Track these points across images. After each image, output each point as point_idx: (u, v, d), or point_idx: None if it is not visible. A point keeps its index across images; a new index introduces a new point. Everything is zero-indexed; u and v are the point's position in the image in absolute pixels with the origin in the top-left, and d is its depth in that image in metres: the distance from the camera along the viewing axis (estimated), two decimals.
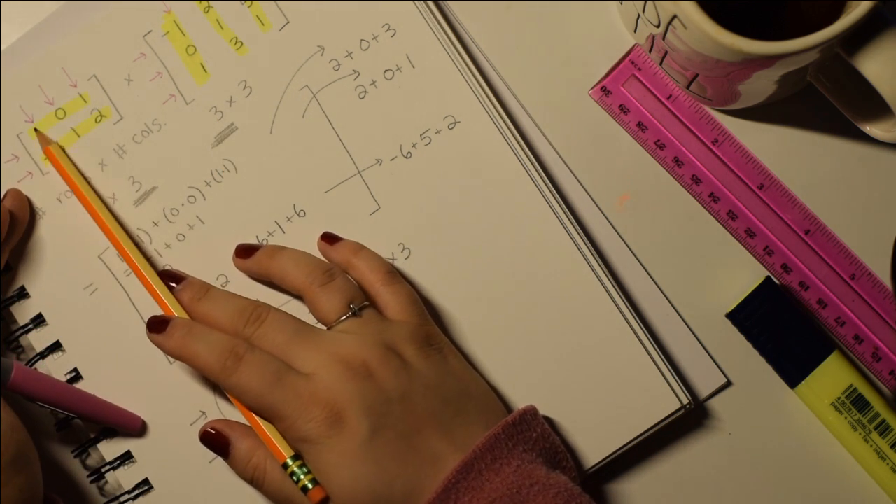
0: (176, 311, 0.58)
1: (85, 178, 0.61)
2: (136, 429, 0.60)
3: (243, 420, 0.57)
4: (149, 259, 0.60)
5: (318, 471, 0.54)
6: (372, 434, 0.53)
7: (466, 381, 0.57)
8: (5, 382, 0.57)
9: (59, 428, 0.60)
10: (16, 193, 0.60)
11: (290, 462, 0.55)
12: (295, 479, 0.55)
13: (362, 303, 0.57)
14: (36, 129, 0.61)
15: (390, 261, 0.60)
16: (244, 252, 0.59)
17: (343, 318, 0.56)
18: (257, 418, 0.56)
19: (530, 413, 0.56)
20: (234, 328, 0.56)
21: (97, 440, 0.60)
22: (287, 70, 0.61)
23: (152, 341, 0.57)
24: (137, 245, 0.60)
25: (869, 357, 0.62)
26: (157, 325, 0.57)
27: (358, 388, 0.54)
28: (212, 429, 0.57)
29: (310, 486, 0.54)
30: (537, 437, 0.56)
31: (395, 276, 0.58)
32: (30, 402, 0.58)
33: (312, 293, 0.57)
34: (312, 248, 0.60)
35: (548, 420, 0.59)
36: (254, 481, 0.56)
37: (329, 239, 0.60)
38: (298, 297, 0.59)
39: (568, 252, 0.60)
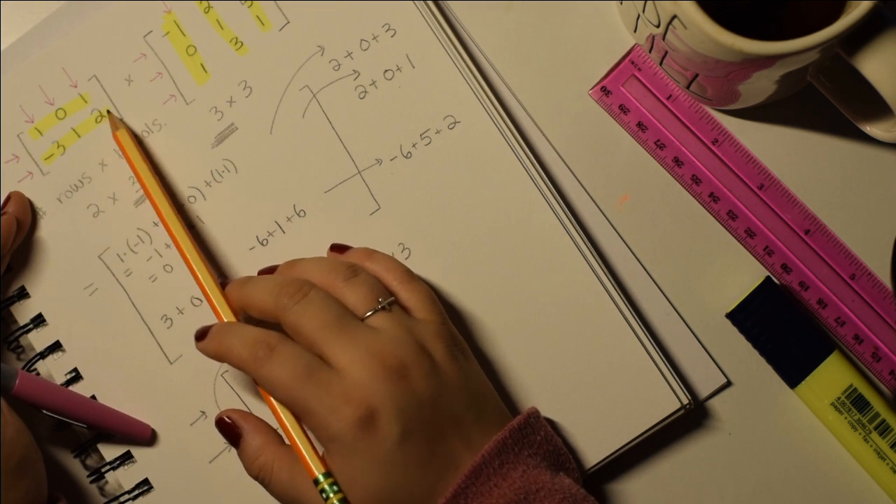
0: (225, 314, 0.57)
1: (152, 169, 0.60)
2: (146, 437, 0.60)
3: (273, 421, 0.57)
4: (205, 258, 0.59)
5: (342, 472, 0.53)
6: (402, 439, 0.52)
7: (482, 384, 0.57)
8: (9, 389, 0.57)
9: (58, 428, 0.60)
10: (18, 197, 0.60)
11: (321, 479, 0.54)
12: (324, 495, 0.53)
13: (389, 297, 0.56)
14: (108, 112, 0.61)
15: None
16: (266, 271, 0.59)
17: (371, 312, 0.55)
18: (290, 428, 0.55)
19: (534, 416, 0.56)
20: (276, 303, 0.55)
21: (97, 440, 0.60)
22: (287, 70, 0.61)
23: (198, 349, 0.56)
24: (193, 234, 0.60)
25: (869, 357, 0.62)
26: (200, 334, 0.57)
27: (392, 390, 0.53)
28: (228, 417, 0.57)
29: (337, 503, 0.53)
30: (541, 440, 0.56)
31: (412, 275, 0.58)
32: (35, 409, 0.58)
33: (337, 288, 0.56)
34: (312, 248, 0.60)
35: (549, 421, 0.59)
36: (259, 479, 0.56)
37: (339, 248, 0.59)
38: None
39: (568, 252, 0.60)
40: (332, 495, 0.53)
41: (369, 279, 0.56)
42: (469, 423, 0.54)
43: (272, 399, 0.55)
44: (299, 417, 0.54)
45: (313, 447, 0.55)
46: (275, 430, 0.57)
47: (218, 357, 0.56)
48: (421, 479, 0.53)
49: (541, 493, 0.53)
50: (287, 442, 0.56)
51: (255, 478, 0.56)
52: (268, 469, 0.55)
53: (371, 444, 0.52)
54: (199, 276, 0.57)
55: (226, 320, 0.57)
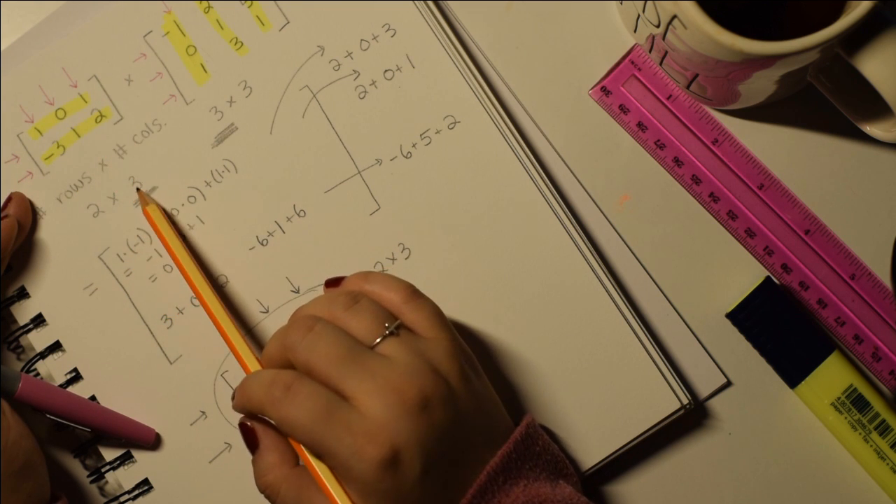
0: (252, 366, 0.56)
1: (183, 243, 0.59)
2: (150, 442, 0.59)
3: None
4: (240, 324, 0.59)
5: None
6: (423, 475, 0.51)
7: (492, 401, 0.56)
8: (12, 393, 0.57)
9: (58, 428, 0.60)
10: (19, 199, 0.60)
11: None
12: None
13: (395, 321, 0.54)
14: (138, 189, 0.60)
15: (390, 261, 0.60)
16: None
17: (380, 339, 0.53)
18: (314, 464, 0.53)
19: (532, 425, 0.56)
20: (284, 341, 0.54)
21: (97, 440, 0.60)
22: (287, 70, 0.61)
23: (234, 409, 0.55)
24: (225, 300, 0.60)
25: (869, 357, 0.62)
26: (233, 396, 0.56)
27: (413, 427, 0.51)
28: (248, 427, 0.56)
29: None
30: (540, 449, 0.55)
31: (415, 291, 0.56)
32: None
33: (340, 319, 0.54)
34: (312, 248, 0.60)
35: (544, 428, 0.58)
36: (266, 495, 0.55)
37: (333, 282, 0.58)
38: None
39: (568, 252, 0.60)
40: None
41: (371, 305, 0.54)
42: (480, 445, 0.54)
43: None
44: (320, 457, 0.53)
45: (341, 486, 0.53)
46: (292, 449, 0.55)
47: (243, 409, 0.55)
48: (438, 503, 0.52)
49: None
50: (301, 462, 0.55)
51: (262, 492, 0.55)
52: (274, 489, 0.54)
53: (394, 484, 0.51)
54: (236, 345, 0.57)
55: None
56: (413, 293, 0.55)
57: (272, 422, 0.53)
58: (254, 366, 0.56)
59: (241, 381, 0.55)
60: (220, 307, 0.57)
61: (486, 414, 0.55)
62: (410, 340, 0.53)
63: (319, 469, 0.53)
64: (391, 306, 0.55)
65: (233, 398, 0.55)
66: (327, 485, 0.53)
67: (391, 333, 0.53)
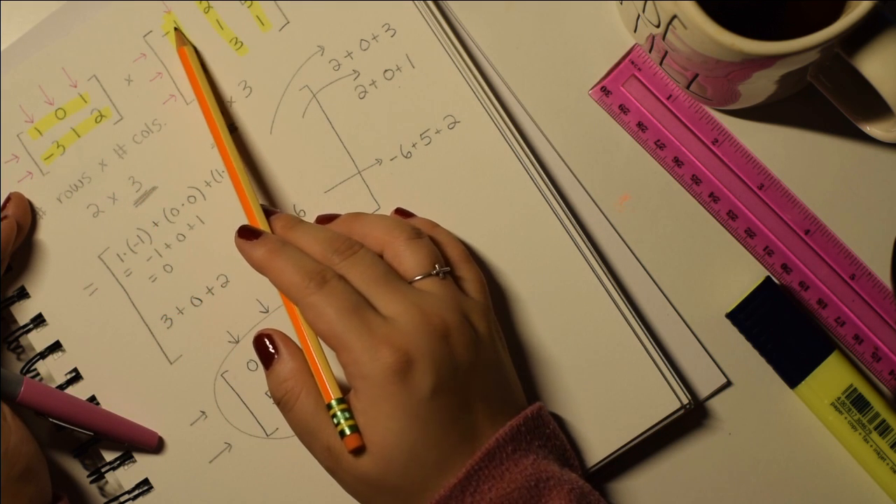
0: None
1: (213, 88, 0.60)
2: (153, 446, 0.59)
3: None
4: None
5: (364, 413, 0.53)
6: (432, 394, 0.52)
7: (513, 374, 0.57)
8: (14, 396, 0.57)
9: (59, 428, 0.60)
10: (18, 199, 0.60)
11: (334, 404, 0.53)
12: (335, 420, 0.53)
13: (446, 267, 0.56)
14: (176, 28, 0.61)
15: None
16: (325, 219, 0.59)
17: (423, 276, 0.55)
18: (314, 352, 0.54)
19: (543, 409, 0.56)
20: (324, 255, 0.55)
21: (97, 440, 0.60)
22: (287, 70, 0.61)
23: (239, 247, 0.56)
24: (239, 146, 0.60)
25: (869, 357, 0.62)
26: (248, 233, 0.56)
27: (432, 346, 0.53)
28: (267, 336, 0.56)
29: (348, 431, 0.53)
30: (549, 433, 0.56)
31: (470, 257, 0.58)
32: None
33: (397, 247, 0.56)
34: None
35: (555, 417, 0.59)
36: (282, 404, 0.55)
37: (404, 213, 0.60)
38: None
39: (568, 252, 0.60)
40: (343, 421, 0.53)
41: (431, 245, 0.56)
42: (497, 402, 0.55)
43: (302, 323, 0.55)
44: (336, 352, 0.53)
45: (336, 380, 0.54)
46: (308, 365, 0.56)
47: (261, 269, 0.55)
48: (441, 440, 0.53)
49: (550, 482, 0.53)
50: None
51: (279, 401, 0.55)
52: (294, 395, 0.55)
53: (401, 391, 0.52)
54: (249, 200, 0.57)
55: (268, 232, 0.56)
56: (468, 257, 0.58)
57: (297, 305, 0.54)
58: (262, 222, 0.56)
59: (271, 239, 0.55)
60: (241, 163, 0.58)
61: (506, 381, 0.56)
62: (452, 286, 0.56)
63: (312, 345, 0.54)
64: (448, 259, 0.57)
65: (244, 236, 0.56)
66: (316, 360, 0.54)
67: (437, 274, 0.55)
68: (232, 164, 0.58)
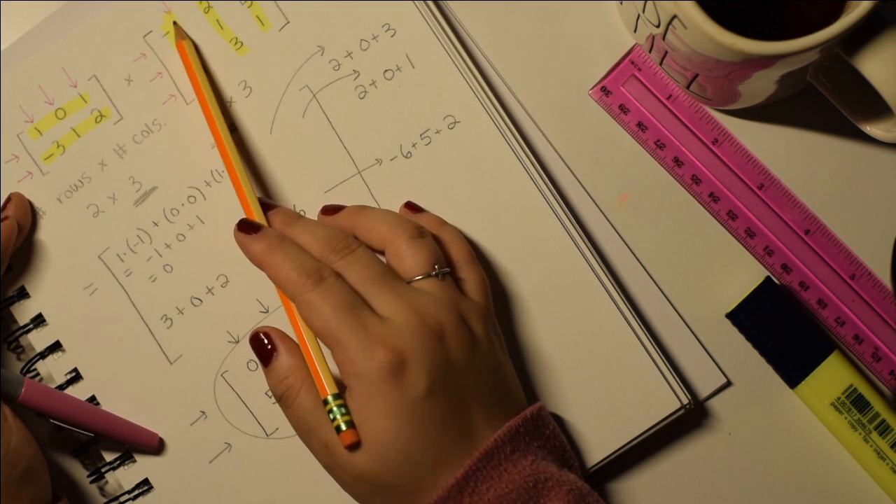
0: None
1: (211, 83, 0.60)
2: (153, 447, 0.59)
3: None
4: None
5: (359, 412, 0.53)
6: (426, 394, 0.52)
7: (512, 376, 0.57)
8: (15, 397, 0.57)
9: (59, 428, 0.60)
10: (19, 199, 0.60)
11: (330, 399, 0.53)
12: (331, 416, 0.53)
13: (446, 268, 0.56)
14: (175, 23, 0.61)
15: None
16: (331, 210, 0.59)
17: (423, 276, 0.55)
18: (311, 348, 0.54)
19: (543, 410, 0.56)
20: (321, 252, 0.55)
21: (97, 440, 0.60)
22: (287, 70, 0.61)
23: (238, 241, 0.56)
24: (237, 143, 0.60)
25: (869, 357, 0.62)
26: (247, 227, 0.56)
27: (427, 346, 0.53)
28: (264, 334, 0.56)
29: (344, 427, 0.53)
30: (549, 434, 0.56)
31: (474, 257, 0.58)
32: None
33: (398, 245, 0.56)
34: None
35: (555, 417, 0.59)
36: (282, 400, 0.55)
37: (413, 207, 0.60)
38: (380, 252, 0.57)
39: (568, 252, 0.60)
40: (339, 416, 0.53)
41: (433, 245, 0.56)
42: (494, 402, 0.55)
43: (299, 320, 0.55)
44: (331, 349, 0.53)
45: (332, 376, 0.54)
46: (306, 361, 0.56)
47: (259, 263, 0.55)
48: (437, 440, 0.53)
49: (549, 482, 0.53)
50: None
51: (279, 398, 0.55)
52: (294, 390, 0.55)
53: (395, 390, 0.52)
54: (247, 194, 0.57)
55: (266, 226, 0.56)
56: (473, 258, 0.58)
57: (293, 302, 0.54)
58: (259, 217, 0.57)
59: (270, 234, 0.55)
60: (237, 156, 0.58)
61: (504, 382, 0.56)
62: (450, 288, 0.56)
63: (309, 341, 0.54)
64: (450, 259, 0.57)
65: (242, 229, 0.56)
66: (313, 356, 0.54)
67: (436, 275, 0.55)
68: (229, 156, 0.58)
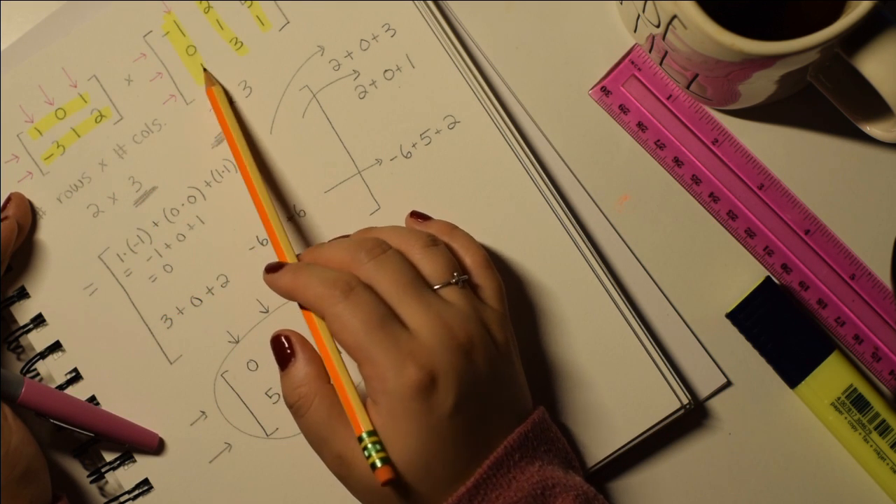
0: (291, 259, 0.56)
1: (242, 129, 0.60)
2: (153, 447, 0.59)
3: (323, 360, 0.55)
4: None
5: (385, 428, 0.52)
6: (454, 412, 0.52)
7: (523, 382, 0.57)
8: (15, 397, 0.57)
9: (59, 428, 0.60)
10: (19, 199, 0.60)
11: (365, 437, 0.52)
12: (366, 453, 0.51)
13: (464, 275, 0.55)
14: (204, 69, 0.61)
15: None
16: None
17: (443, 284, 0.54)
18: (343, 381, 0.53)
19: (545, 414, 0.56)
20: (353, 256, 0.54)
21: (97, 440, 0.60)
22: (287, 70, 0.61)
23: (267, 282, 0.55)
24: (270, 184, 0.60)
25: (869, 357, 0.62)
26: (272, 268, 0.55)
27: (456, 362, 0.52)
28: (286, 337, 0.56)
29: (379, 464, 0.51)
30: (553, 437, 0.56)
31: (489, 262, 0.57)
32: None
33: (415, 255, 0.55)
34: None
35: (555, 418, 0.59)
36: (294, 408, 0.54)
37: (420, 216, 0.59)
38: None
39: (568, 252, 0.60)
40: (374, 454, 0.51)
41: (447, 253, 0.56)
42: (509, 413, 0.54)
43: (325, 343, 0.54)
44: (359, 364, 0.53)
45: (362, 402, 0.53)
46: (325, 369, 0.55)
47: (289, 293, 0.55)
48: (458, 455, 0.52)
49: (556, 488, 0.53)
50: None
51: (291, 406, 0.54)
52: (308, 400, 0.54)
53: (423, 409, 0.51)
54: (278, 236, 0.56)
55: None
56: (488, 263, 0.57)
57: (323, 318, 0.53)
58: (291, 258, 0.56)
59: (292, 266, 0.55)
60: (271, 203, 0.57)
61: (519, 389, 0.56)
62: (471, 296, 0.55)
63: (340, 370, 0.53)
64: (463, 265, 0.57)
65: (269, 270, 0.55)
66: (346, 390, 0.53)
67: (456, 283, 0.55)
68: (262, 204, 0.57)
